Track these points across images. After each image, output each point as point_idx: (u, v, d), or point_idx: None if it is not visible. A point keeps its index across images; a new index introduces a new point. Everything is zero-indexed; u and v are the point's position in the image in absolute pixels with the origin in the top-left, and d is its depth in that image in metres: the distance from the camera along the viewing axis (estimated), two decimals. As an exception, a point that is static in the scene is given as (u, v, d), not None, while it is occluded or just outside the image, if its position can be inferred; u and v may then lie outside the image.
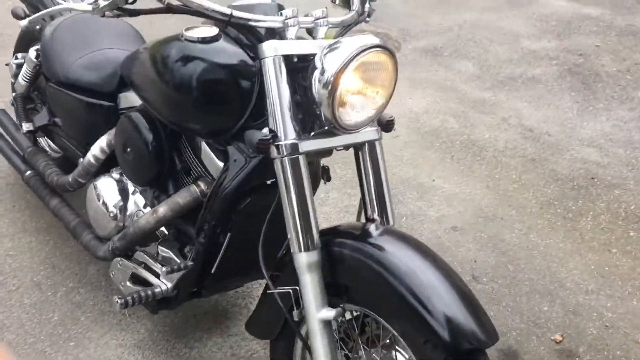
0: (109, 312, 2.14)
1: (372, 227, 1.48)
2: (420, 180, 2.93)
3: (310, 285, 1.39)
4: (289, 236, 1.40)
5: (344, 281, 1.41)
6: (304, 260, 1.38)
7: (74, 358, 1.97)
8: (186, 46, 1.50)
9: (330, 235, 1.45)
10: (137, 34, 2.32)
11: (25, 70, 2.31)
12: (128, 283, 1.81)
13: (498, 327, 2.12)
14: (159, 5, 1.30)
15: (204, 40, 1.48)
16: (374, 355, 1.50)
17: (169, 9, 1.32)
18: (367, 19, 1.75)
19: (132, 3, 1.29)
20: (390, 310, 1.33)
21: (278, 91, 1.37)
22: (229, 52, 1.49)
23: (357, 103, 1.38)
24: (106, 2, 1.26)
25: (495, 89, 3.81)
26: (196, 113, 1.54)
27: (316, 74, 1.34)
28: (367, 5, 1.71)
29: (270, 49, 1.37)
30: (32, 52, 2.25)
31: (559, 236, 2.61)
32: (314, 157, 1.54)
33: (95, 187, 1.95)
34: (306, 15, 1.48)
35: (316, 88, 1.34)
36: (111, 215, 1.89)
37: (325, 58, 1.33)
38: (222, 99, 1.51)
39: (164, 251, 1.76)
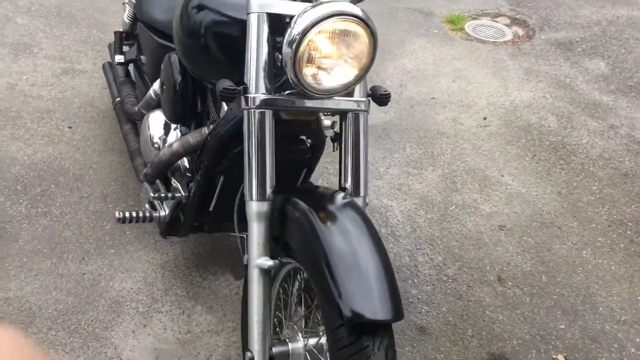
0: (151, 233, 2.41)
1: (327, 194, 1.53)
2: (488, 173, 2.83)
3: (255, 233, 1.48)
4: (244, 184, 1.50)
5: (285, 236, 1.48)
6: (254, 208, 1.47)
7: (109, 262, 2.27)
8: (189, 16, 1.65)
9: (287, 193, 1.52)
10: None
11: (127, 9, 2.62)
12: (147, 205, 2.04)
13: (501, 332, 2.08)
14: None
15: None
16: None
17: None
18: None
19: None
20: (313, 273, 1.38)
21: (257, 47, 1.44)
22: (238, 6, 1.59)
23: (325, 68, 1.41)
24: None
25: (618, 93, 3.47)
26: (202, 58, 1.69)
27: (287, 33, 1.40)
28: None
29: (256, 5, 1.42)
30: (126, -6, 2.55)
31: (616, 258, 2.39)
32: (293, 116, 1.59)
33: (147, 119, 2.19)
34: None
35: (284, 47, 1.39)
36: (153, 145, 2.13)
37: (298, 19, 1.37)
38: (224, 49, 1.62)
39: (175, 183, 1.96)
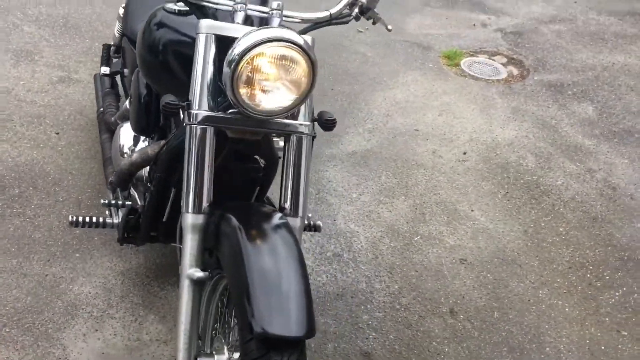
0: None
1: (262, 212, 1.57)
2: (458, 207, 2.86)
3: (188, 244, 1.53)
4: (182, 196, 1.56)
5: (216, 250, 1.53)
6: (188, 220, 1.53)
7: (73, 266, 2.34)
8: (162, 14, 1.74)
9: (225, 208, 1.57)
10: None
11: (117, 24, 2.73)
12: (106, 212, 2.11)
13: (443, 364, 2.09)
14: None
15: (174, 12, 1.70)
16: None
17: None
18: (355, 20, 1.82)
19: None
20: (233, 286, 1.42)
21: (203, 66, 1.51)
22: (193, 27, 1.66)
23: (262, 90, 1.47)
24: None
25: (601, 137, 3.49)
26: (159, 73, 1.77)
27: (228, 53, 1.46)
28: (354, 10, 1.79)
29: (205, 27, 1.51)
30: (121, 10, 2.65)
31: (571, 301, 2.40)
32: (239, 134, 1.63)
33: (119, 129, 2.28)
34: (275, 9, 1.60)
35: (224, 67, 1.43)
36: (122, 155, 2.20)
37: (240, 41, 1.43)
38: (178, 66, 1.70)
39: (133, 192, 2.03)
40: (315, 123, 1.70)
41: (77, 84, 3.45)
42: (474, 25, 4.91)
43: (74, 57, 3.71)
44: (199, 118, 1.50)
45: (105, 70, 2.74)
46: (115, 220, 1.97)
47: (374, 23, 1.97)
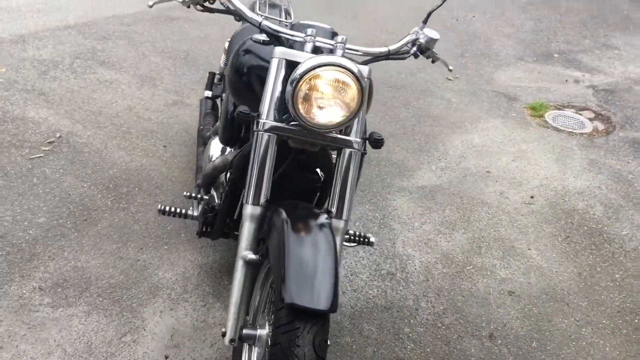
0: (202, 240, 2.84)
1: (309, 212, 1.85)
2: (515, 244, 2.98)
3: (245, 230, 1.84)
4: (244, 190, 1.87)
5: (266, 237, 1.82)
6: (247, 210, 1.84)
7: (160, 255, 2.73)
8: (250, 43, 2.11)
9: (278, 204, 1.87)
10: None
11: (223, 55, 3.17)
12: (190, 207, 2.48)
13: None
14: (221, 7, 1.92)
15: (259, 42, 2.06)
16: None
17: (227, 11, 1.93)
18: (414, 57, 2.10)
19: (212, 3, 1.93)
20: (274, 266, 1.69)
21: (273, 84, 1.83)
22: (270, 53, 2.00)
23: (317, 106, 1.75)
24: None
25: (679, 196, 3.47)
26: (243, 92, 2.11)
27: (292, 75, 1.77)
28: (413, 49, 2.08)
29: (278, 52, 1.83)
30: (226, 44, 3.09)
31: (613, 342, 2.44)
32: (298, 144, 1.91)
33: (210, 142, 2.67)
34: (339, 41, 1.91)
35: (287, 85, 1.72)
36: (209, 162, 2.58)
37: (301, 64, 1.73)
38: (258, 85, 2.03)
39: (213, 192, 2.38)
40: (367, 141, 1.96)
41: (187, 107, 3.95)
42: (566, 80, 5.00)
43: (189, 85, 4.24)
44: (265, 127, 1.82)
45: (208, 93, 3.18)
46: (195, 213, 2.32)
47: (433, 62, 2.24)
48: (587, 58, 5.50)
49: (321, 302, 1.55)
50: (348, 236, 2.38)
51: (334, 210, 1.90)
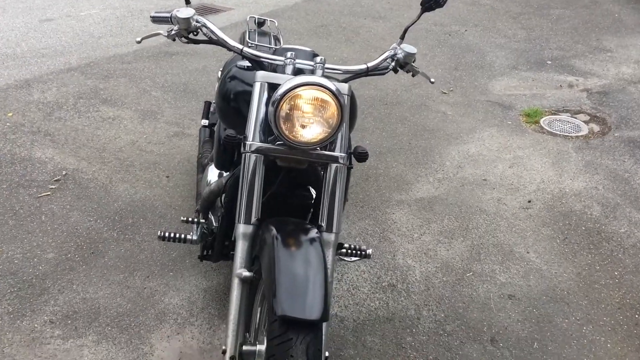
0: (205, 264, 2.91)
1: (298, 227, 1.92)
2: (514, 249, 3.02)
3: (239, 249, 1.90)
4: (236, 210, 1.94)
5: (259, 254, 1.89)
6: (240, 230, 1.90)
7: (166, 282, 2.80)
8: (235, 70, 2.21)
9: (269, 222, 1.94)
10: None
11: (217, 84, 3.28)
12: (191, 232, 2.56)
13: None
14: (204, 38, 2.03)
15: (243, 68, 2.15)
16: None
17: (211, 41, 2.03)
18: (394, 72, 2.18)
19: (196, 35, 2.04)
20: (265, 280, 1.74)
21: (257, 107, 1.91)
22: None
23: (300, 124, 1.83)
24: (175, 32, 2.02)
25: (676, 191, 3.49)
26: (231, 116, 2.20)
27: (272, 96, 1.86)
28: (391, 64, 2.16)
29: (260, 76, 1.92)
30: (219, 73, 3.20)
31: (614, 338, 2.47)
32: (285, 162, 1.99)
33: (207, 168, 2.76)
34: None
35: (269, 106, 1.81)
36: (207, 187, 2.67)
37: (282, 85, 1.82)
38: (244, 109, 2.12)
39: (211, 216, 2.46)
40: (352, 155, 2.04)
41: (188, 137, 4.06)
42: (560, 86, 5.06)
43: (189, 116, 4.35)
44: (252, 148, 1.90)
45: (205, 122, 3.29)
46: (195, 237, 2.40)
47: (413, 76, 2.32)
48: (580, 62, 5.57)
49: (312, 312, 1.61)
50: (345, 250, 2.44)
51: (323, 224, 1.97)
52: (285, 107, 1.79)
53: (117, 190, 3.43)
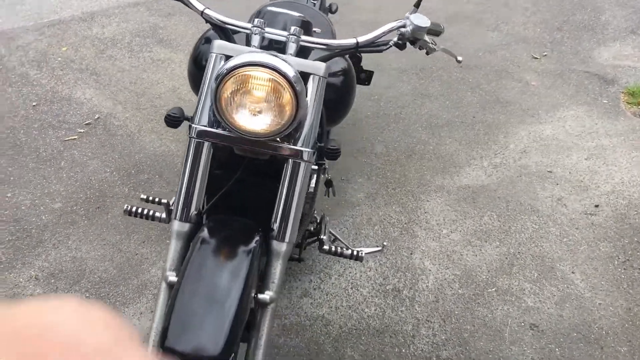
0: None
1: (239, 228, 1.62)
2: (557, 265, 2.51)
3: (171, 249, 1.64)
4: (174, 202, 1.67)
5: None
6: (174, 227, 1.63)
7: (159, 250, 2.63)
8: (211, 32, 1.90)
9: (209, 220, 1.65)
10: None
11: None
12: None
13: None
14: None
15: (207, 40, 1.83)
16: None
17: None
18: (398, 48, 1.76)
19: None
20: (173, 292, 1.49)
21: (208, 83, 1.59)
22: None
23: (243, 109, 1.50)
24: None
25: None
26: (197, 85, 1.91)
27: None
28: (392, 40, 1.73)
29: (216, 47, 1.56)
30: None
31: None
32: (245, 153, 1.68)
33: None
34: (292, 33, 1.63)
35: (212, 82, 1.47)
36: None
37: (229, 61, 1.44)
38: None
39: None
40: (322, 152, 1.68)
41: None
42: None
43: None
44: (196, 132, 1.59)
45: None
46: (164, 216, 2.17)
47: (427, 54, 1.88)
48: None
49: (206, 348, 1.33)
50: (327, 249, 2.12)
51: (275, 229, 1.66)
52: (228, 88, 1.46)
53: (143, 141, 3.27)
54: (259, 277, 1.70)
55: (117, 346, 0.42)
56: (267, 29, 1.62)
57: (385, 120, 3.47)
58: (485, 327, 2.26)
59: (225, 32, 1.68)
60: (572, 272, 2.48)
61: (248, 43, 1.67)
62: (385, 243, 2.58)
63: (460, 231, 2.71)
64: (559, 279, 2.46)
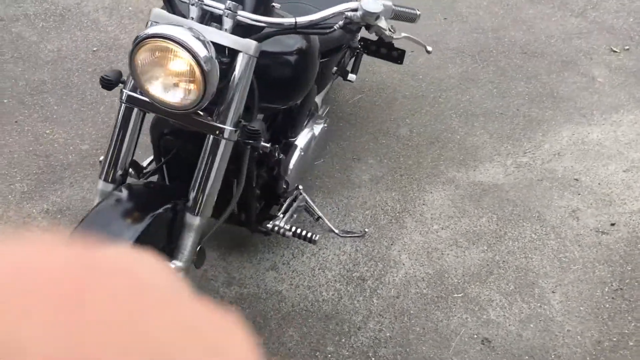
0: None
1: (147, 195, 1.71)
2: (540, 282, 2.33)
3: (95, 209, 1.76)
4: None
5: None
6: (99, 186, 1.75)
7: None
8: None
9: (127, 185, 1.73)
10: None
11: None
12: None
13: None
14: None
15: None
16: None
17: None
18: (347, 33, 1.74)
19: None
20: None
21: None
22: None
23: (152, 78, 1.53)
24: None
25: None
26: None
27: None
28: (337, 24, 1.68)
29: (152, 15, 1.61)
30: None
31: None
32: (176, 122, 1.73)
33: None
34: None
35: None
36: None
37: (146, 30, 1.51)
38: None
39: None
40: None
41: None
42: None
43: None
44: (125, 97, 1.67)
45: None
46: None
47: (384, 41, 1.82)
48: None
49: None
50: (274, 228, 2.15)
51: (190, 201, 1.73)
52: (140, 55, 1.52)
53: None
54: (173, 247, 1.78)
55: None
56: (206, 1, 1.63)
57: (421, 103, 3.33)
58: (435, 333, 2.18)
59: (170, 3, 1.71)
60: (553, 292, 2.30)
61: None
62: (367, 230, 2.54)
63: (452, 229, 2.59)
64: (534, 296, 2.29)
